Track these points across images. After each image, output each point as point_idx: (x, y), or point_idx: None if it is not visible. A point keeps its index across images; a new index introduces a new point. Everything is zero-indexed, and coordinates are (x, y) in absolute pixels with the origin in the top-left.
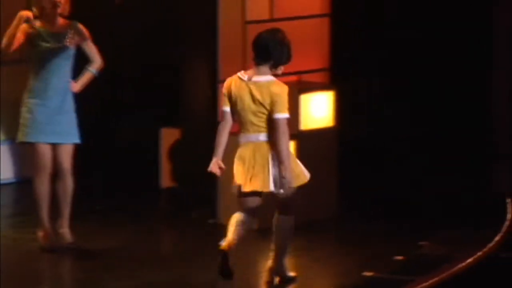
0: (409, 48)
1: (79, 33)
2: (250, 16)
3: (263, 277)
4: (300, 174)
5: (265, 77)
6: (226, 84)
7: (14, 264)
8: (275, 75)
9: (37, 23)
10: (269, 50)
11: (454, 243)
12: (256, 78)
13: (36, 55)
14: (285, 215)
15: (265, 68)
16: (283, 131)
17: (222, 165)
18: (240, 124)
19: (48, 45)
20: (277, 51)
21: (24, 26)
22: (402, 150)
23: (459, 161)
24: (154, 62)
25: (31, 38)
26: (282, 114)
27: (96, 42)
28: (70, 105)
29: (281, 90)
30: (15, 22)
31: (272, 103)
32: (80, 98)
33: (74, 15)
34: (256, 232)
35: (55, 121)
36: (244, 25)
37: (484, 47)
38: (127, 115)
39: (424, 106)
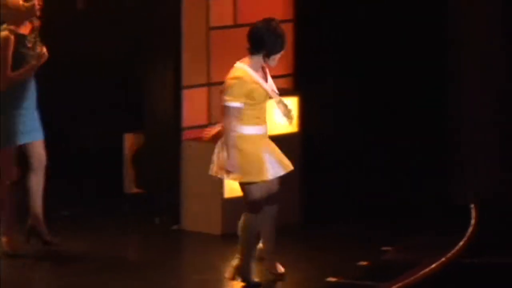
0: (373, 53)
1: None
2: (213, 22)
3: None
4: (248, 172)
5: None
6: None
7: None
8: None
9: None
10: (263, 40)
11: (418, 249)
12: None
13: (16, 60)
14: (245, 213)
15: (258, 57)
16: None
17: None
18: (251, 117)
19: (24, 50)
20: (271, 41)
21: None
22: (367, 155)
23: (423, 166)
24: (118, 67)
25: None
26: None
27: (59, 46)
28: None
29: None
30: (8, 49)
31: None
32: (44, 103)
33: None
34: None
35: (34, 118)
36: (208, 31)
37: (443, 56)
38: (91, 120)
39: (388, 111)
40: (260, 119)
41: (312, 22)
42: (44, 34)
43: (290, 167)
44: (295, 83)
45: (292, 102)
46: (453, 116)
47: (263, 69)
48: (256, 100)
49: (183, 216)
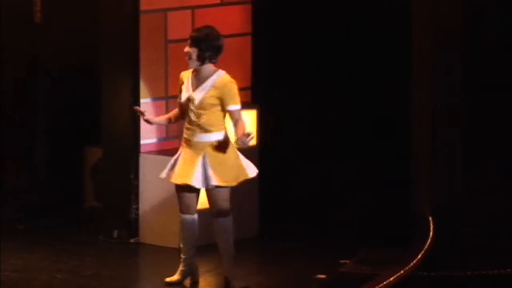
0: (332, 65)
1: None
2: (171, 35)
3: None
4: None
5: None
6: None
7: None
8: None
9: None
10: None
11: (376, 262)
12: None
13: None
14: (222, 217)
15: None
16: None
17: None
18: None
19: None
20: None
21: None
22: (325, 167)
23: (381, 178)
24: (76, 80)
25: None
26: None
27: (16, 59)
28: None
29: None
30: None
31: None
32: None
33: None
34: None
35: None
36: (166, 44)
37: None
38: (49, 134)
39: (347, 123)
40: (186, 125)
41: (270, 36)
42: (1, 46)
43: (185, 181)
44: (253, 96)
45: (251, 115)
46: (413, 127)
47: (205, 76)
48: None
49: (141, 229)
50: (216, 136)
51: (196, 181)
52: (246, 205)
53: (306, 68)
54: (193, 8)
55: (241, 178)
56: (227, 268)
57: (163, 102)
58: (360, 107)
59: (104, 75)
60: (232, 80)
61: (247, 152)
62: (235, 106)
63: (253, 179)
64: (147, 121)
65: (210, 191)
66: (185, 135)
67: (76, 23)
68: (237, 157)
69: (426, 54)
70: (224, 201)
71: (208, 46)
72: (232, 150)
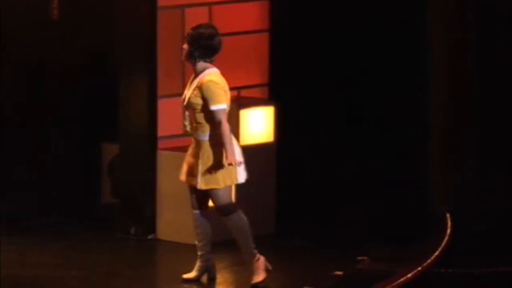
0: (349, 63)
1: None
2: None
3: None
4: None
5: None
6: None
7: None
8: None
9: None
10: None
11: (393, 259)
12: None
13: None
14: (224, 216)
15: None
16: None
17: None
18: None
19: None
20: None
21: None
22: (342, 164)
23: (399, 175)
24: (93, 77)
25: None
26: None
27: (33, 57)
28: None
29: None
30: None
31: None
32: (20, 111)
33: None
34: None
35: None
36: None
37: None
38: (66, 130)
39: (363, 120)
40: None
41: (288, 32)
42: (18, 43)
43: (190, 181)
44: (271, 93)
45: (268, 112)
46: (428, 123)
47: (195, 75)
48: None
49: (158, 226)
50: (205, 136)
51: (195, 181)
52: (262, 202)
53: (323, 65)
54: (210, 4)
55: (228, 183)
56: (246, 262)
57: (179, 99)
58: (377, 105)
59: (121, 71)
60: (212, 79)
61: (264, 149)
62: (214, 106)
63: (269, 176)
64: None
65: (207, 190)
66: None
67: (93, 20)
68: (217, 162)
69: (442, 53)
70: (219, 200)
71: (199, 45)
72: (216, 153)
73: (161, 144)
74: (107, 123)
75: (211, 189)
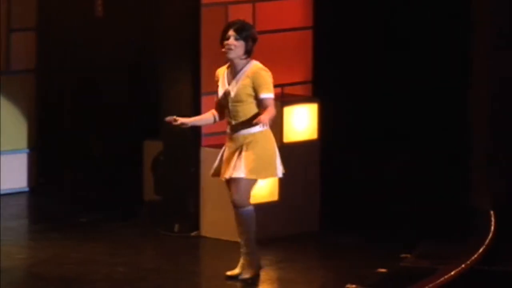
0: (392, 60)
1: None
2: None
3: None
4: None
5: None
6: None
7: None
8: None
9: None
10: None
11: (436, 256)
12: None
13: None
14: (236, 208)
15: None
16: None
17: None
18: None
19: None
20: None
21: None
22: (385, 161)
23: (442, 172)
24: (137, 74)
25: None
26: None
27: (78, 54)
28: None
29: None
30: None
31: None
32: (64, 109)
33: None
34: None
35: None
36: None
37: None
38: (109, 127)
39: (406, 118)
40: (227, 120)
41: (331, 29)
42: (64, 41)
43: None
44: (314, 90)
45: (311, 109)
46: (472, 121)
47: (237, 70)
48: None
49: (202, 223)
50: (255, 128)
51: (228, 173)
52: (306, 199)
53: (367, 62)
54: (253, 1)
55: (268, 176)
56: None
57: None
58: (419, 100)
59: (165, 68)
60: (264, 68)
61: (308, 146)
62: (267, 93)
63: (313, 173)
64: (183, 124)
65: (233, 179)
66: (227, 131)
67: (136, 17)
68: (274, 153)
69: (484, 51)
70: (240, 192)
71: (252, 39)
72: (270, 144)
73: (204, 141)
74: (150, 120)
75: (241, 179)
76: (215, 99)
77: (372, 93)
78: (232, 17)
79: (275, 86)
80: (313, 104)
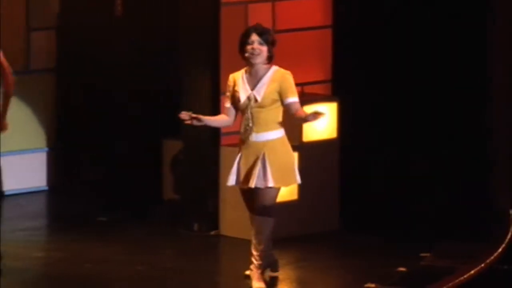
0: (413, 59)
1: None
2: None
3: None
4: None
5: None
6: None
7: None
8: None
9: None
10: None
11: (456, 255)
12: None
13: None
14: (263, 216)
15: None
16: None
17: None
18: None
19: None
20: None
21: None
22: (404, 161)
23: (461, 171)
24: (155, 73)
25: None
26: None
27: (98, 53)
28: None
29: None
30: None
31: None
32: (81, 109)
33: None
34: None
35: None
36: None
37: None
38: (128, 126)
39: (426, 117)
40: (243, 126)
41: (351, 29)
42: (83, 40)
43: (250, 184)
44: (334, 89)
45: (331, 108)
46: (491, 120)
47: (260, 74)
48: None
49: (221, 222)
50: (275, 134)
51: (255, 182)
52: (325, 198)
53: (386, 60)
54: (273, 0)
55: (291, 183)
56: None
57: None
58: (440, 100)
59: (184, 67)
60: (288, 72)
61: (327, 145)
62: (294, 98)
63: (333, 172)
64: (198, 119)
65: (260, 189)
66: (242, 137)
67: (155, 17)
68: (294, 160)
69: (507, 52)
70: (271, 200)
71: (273, 43)
72: (289, 151)
73: (224, 140)
74: (169, 119)
75: (268, 188)
76: (227, 104)
77: (392, 92)
78: (251, 16)
79: (295, 85)
80: (333, 103)
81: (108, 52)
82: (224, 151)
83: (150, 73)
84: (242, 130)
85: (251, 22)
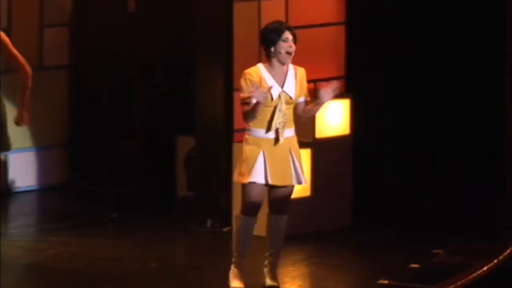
0: (426, 56)
1: None
2: (265, 25)
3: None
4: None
5: None
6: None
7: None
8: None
9: None
10: (261, 40)
11: (469, 251)
12: None
13: None
14: (283, 215)
15: (270, 59)
16: None
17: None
18: (258, 119)
19: None
20: (262, 38)
21: None
22: (418, 157)
23: (475, 168)
24: (168, 70)
25: None
26: None
27: (111, 49)
28: None
29: None
30: None
31: None
32: (94, 105)
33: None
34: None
35: None
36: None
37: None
38: (142, 124)
39: (441, 114)
40: (262, 122)
41: (364, 25)
42: (95, 36)
43: (286, 182)
44: (347, 85)
45: (344, 105)
46: (507, 118)
47: (283, 71)
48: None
49: (234, 218)
50: (294, 131)
51: (294, 179)
52: (338, 195)
53: (399, 57)
54: None
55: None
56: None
57: None
58: (454, 96)
59: (197, 64)
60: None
61: (340, 142)
62: (307, 97)
63: (346, 168)
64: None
65: (288, 187)
66: (267, 134)
67: (168, 13)
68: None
69: None
70: (289, 200)
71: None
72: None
73: (237, 136)
74: (182, 116)
75: (292, 186)
76: (249, 100)
77: (406, 88)
78: (265, 13)
79: (309, 81)
80: (346, 99)
81: (121, 49)
82: (237, 148)
83: (163, 69)
84: (270, 127)
85: (264, 18)
